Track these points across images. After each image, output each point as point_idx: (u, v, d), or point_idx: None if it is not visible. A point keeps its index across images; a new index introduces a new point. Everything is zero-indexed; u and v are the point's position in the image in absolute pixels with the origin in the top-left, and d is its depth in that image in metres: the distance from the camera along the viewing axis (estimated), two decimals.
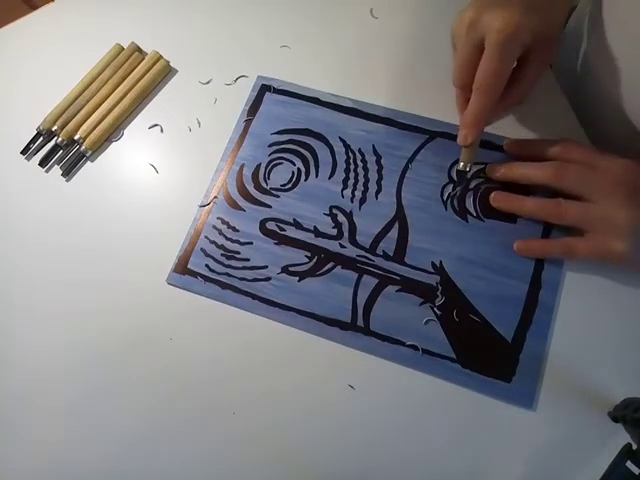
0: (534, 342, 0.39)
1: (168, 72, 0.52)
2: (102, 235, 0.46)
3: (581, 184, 0.39)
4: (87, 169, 0.49)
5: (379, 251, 0.43)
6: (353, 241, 0.43)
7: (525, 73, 0.39)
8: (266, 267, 0.43)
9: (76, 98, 0.50)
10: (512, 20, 0.35)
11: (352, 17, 0.52)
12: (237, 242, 0.44)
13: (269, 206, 0.45)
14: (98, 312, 0.44)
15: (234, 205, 0.46)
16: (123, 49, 0.52)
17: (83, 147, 0.48)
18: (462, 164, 0.42)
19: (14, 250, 0.47)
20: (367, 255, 0.43)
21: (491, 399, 0.38)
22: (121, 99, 0.50)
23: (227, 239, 0.44)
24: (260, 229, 0.44)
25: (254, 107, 0.49)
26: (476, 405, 0.38)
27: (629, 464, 0.31)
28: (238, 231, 0.45)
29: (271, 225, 0.44)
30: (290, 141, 0.47)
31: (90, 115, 0.49)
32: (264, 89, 0.49)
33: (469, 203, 0.43)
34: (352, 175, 0.45)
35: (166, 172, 0.48)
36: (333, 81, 0.49)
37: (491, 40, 0.36)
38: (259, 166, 0.47)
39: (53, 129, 0.49)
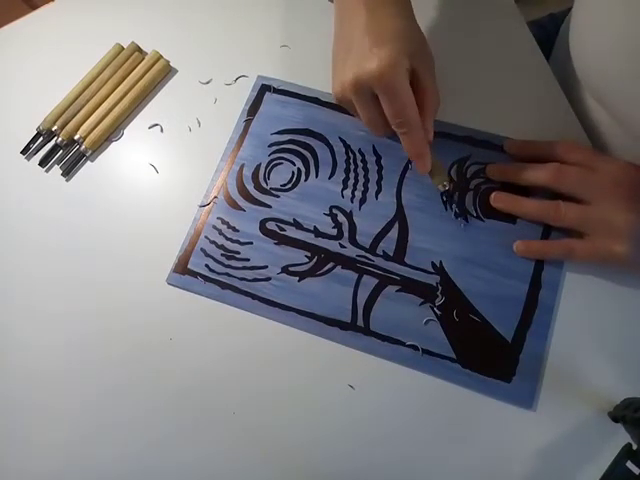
0: (534, 342, 0.39)
1: (168, 72, 0.52)
2: (102, 235, 0.46)
3: (580, 187, 0.39)
4: (87, 169, 0.49)
5: (379, 251, 0.43)
6: (353, 241, 0.43)
7: (423, 88, 0.39)
8: (266, 267, 0.43)
9: (76, 98, 0.50)
10: (384, 58, 0.35)
11: None
12: (237, 242, 0.44)
13: (269, 206, 0.45)
14: (98, 312, 0.44)
15: (234, 205, 0.46)
16: (123, 49, 0.52)
17: (83, 147, 0.48)
18: (440, 186, 0.42)
19: (14, 250, 0.47)
20: (367, 255, 0.43)
21: (491, 399, 0.38)
22: (121, 99, 0.50)
23: (227, 239, 0.44)
24: (260, 229, 0.44)
25: (254, 107, 0.49)
26: (476, 405, 0.38)
27: (629, 464, 0.31)
28: (238, 231, 0.45)
29: (271, 225, 0.45)
30: (290, 141, 0.47)
31: (90, 115, 0.49)
32: (264, 89, 0.49)
33: (469, 203, 0.43)
34: (352, 175, 0.45)
35: (166, 172, 0.48)
36: None
37: (379, 86, 0.36)
38: (259, 166, 0.47)
39: (53, 129, 0.49)
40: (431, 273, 0.42)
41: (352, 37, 0.39)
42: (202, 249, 0.44)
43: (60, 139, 0.49)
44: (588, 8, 0.43)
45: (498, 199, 0.42)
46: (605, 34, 0.40)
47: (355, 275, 0.42)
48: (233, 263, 0.44)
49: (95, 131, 0.49)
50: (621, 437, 0.35)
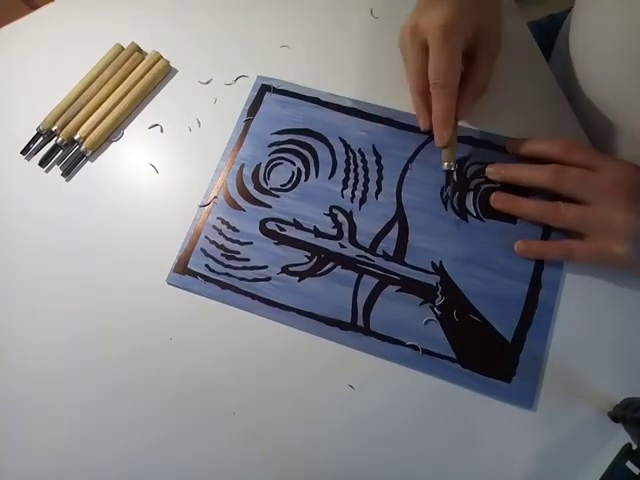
0: (534, 342, 0.39)
1: (168, 72, 0.52)
2: (102, 235, 0.46)
3: (580, 188, 0.39)
4: (87, 169, 0.49)
5: (379, 251, 0.43)
6: (353, 241, 0.43)
7: (476, 68, 0.41)
8: (266, 267, 0.43)
9: (76, 98, 0.50)
10: (448, 15, 0.37)
11: (352, 17, 0.52)
12: (237, 242, 0.44)
13: (269, 206, 0.45)
14: (98, 312, 0.44)
15: (234, 205, 0.46)
16: (123, 49, 0.52)
17: (83, 147, 0.48)
18: (446, 164, 0.42)
19: (14, 250, 0.47)
20: (367, 255, 0.43)
21: (491, 399, 0.38)
22: (121, 99, 0.50)
23: (227, 239, 0.44)
24: (260, 229, 0.44)
25: (254, 107, 0.49)
26: (476, 405, 0.38)
27: (629, 464, 0.31)
28: (238, 231, 0.45)
29: (271, 225, 0.45)
30: (290, 141, 0.47)
31: (90, 115, 0.49)
32: (264, 89, 0.49)
33: (469, 203, 0.43)
34: (352, 175, 0.45)
35: (166, 172, 0.48)
36: (333, 81, 0.49)
37: (433, 38, 0.38)
38: (259, 166, 0.47)
39: (53, 129, 0.49)
40: (431, 273, 0.42)
41: None
42: (202, 249, 0.44)
43: (60, 139, 0.49)
44: (588, 12, 0.43)
45: (498, 199, 0.42)
46: (606, 38, 0.40)
47: (355, 275, 0.42)
48: (233, 263, 0.44)
49: (95, 131, 0.49)
50: (621, 437, 0.35)
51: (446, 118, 0.40)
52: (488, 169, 0.43)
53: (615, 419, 0.36)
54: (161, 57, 0.51)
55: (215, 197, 0.46)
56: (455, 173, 0.43)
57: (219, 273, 0.43)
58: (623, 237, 0.37)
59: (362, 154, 0.46)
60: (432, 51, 0.38)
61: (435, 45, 0.38)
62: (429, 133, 0.43)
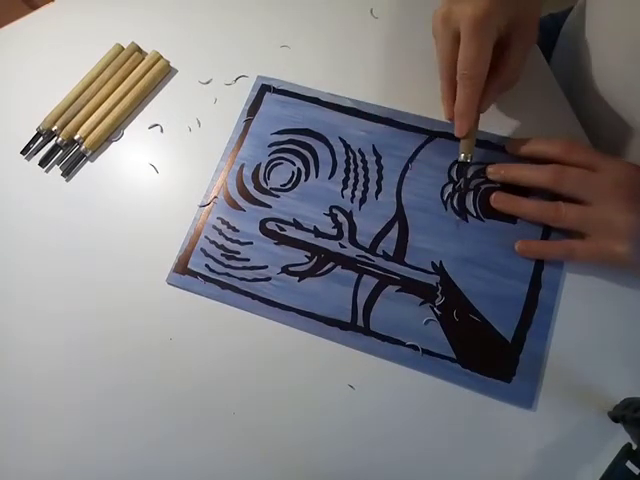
0: (534, 342, 0.39)
1: (168, 72, 0.52)
2: (102, 235, 0.46)
3: (581, 188, 0.39)
4: (87, 169, 0.49)
5: (379, 251, 0.43)
6: (353, 241, 0.43)
7: (509, 57, 0.40)
8: (266, 267, 0.43)
9: (76, 98, 0.50)
10: (483, 5, 0.36)
11: (352, 17, 0.52)
12: (237, 242, 0.44)
13: (269, 206, 0.45)
14: (98, 312, 0.44)
15: (234, 205, 0.46)
16: (123, 49, 0.52)
17: (83, 147, 0.48)
18: (462, 155, 0.41)
19: (14, 250, 0.47)
20: (367, 255, 0.43)
21: (491, 399, 0.38)
22: (121, 99, 0.50)
23: (227, 239, 0.44)
24: (260, 229, 0.44)
25: (254, 107, 0.49)
26: (476, 405, 0.38)
27: (629, 464, 0.31)
28: (238, 231, 0.45)
29: (271, 225, 0.44)
30: (290, 141, 0.47)
31: (90, 115, 0.49)
32: (264, 89, 0.49)
33: (469, 203, 0.43)
34: (352, 175, 0.45)
35: (166, 172, 0.48)
36: (333, 81, 0.49)
37: (464, 27, 0.37)
38: (259, 166, 0.47)
39: (53, 129, 0.49)
40: (431, 273, 0.42)
41: None
42: (202, 249, 0.44)
43: (60, 139, 0.49)
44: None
45: (498, 200, 0.42)
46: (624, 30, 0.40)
47: (355, 275, 0.42)
48: (233, 263, 0.44)
49: (95, 131, 0.49)
50: (621, 437, 0.35)
51: (468, 109, 0.39)
52: (488, 169, 0.43)
53: (615, 419, 0.36)
54: (161, 57, 0.51)
55: (215, 197, 0.46)
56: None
57: (219, 273, 0.43)
58: (624, 237, 0.37)
59: (362, 154, 0.46)
60: (463, 41, 0.37)
61: (466, 36, 0.37)
62: (434, 137, 0.43)
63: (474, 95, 0.39)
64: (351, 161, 0.46)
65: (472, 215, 0.43)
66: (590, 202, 0.38)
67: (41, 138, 0.50)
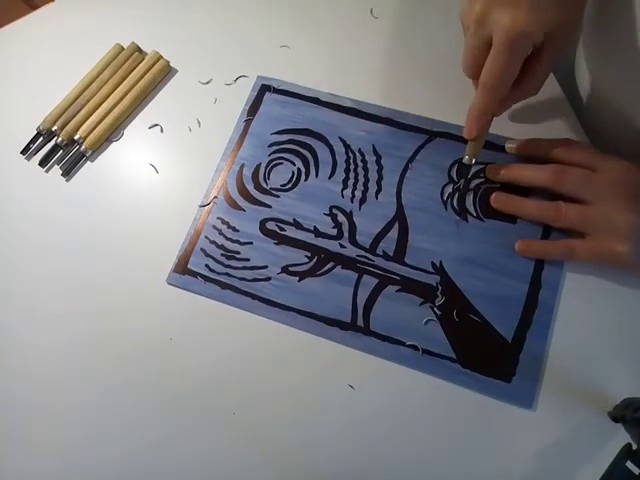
0: (534, 342, 0.39)
1: (168, 72, 0.52)
2: (102, 235, 0.46)
3: (581, 188, 0.39)
4: (87, 169, 0.49)
5: (379, 251, 0.43)
6: (353, 241, 0.43)
7: (536, 69, 0.38)
8: (266, 267, 0.43)
9: (76, 98, 0.50)
10: (521, 19, 0.34)
11: (352, 17, 0.52)
12: (237, 242, 0.44)
13: (269, 206, 0.45)
14: (98, 312, 0.44)
15: (234, 205, 0.45)
16: (123, 49, 0.52)
17: (83, 147, 0.48)
18: (467, 157, 0.41)
19: (14, 250, 0.47)
20: (367, 255, 0.43)
21: (491, 399, 0.38)
22: (121, 99, 0.50)
23: (227, 239, 0.44)
24: (260, 229, 0.44)
25: (254, 107, 0.49)
26: (476, 405, 0.38)
27: (629, 464, 0.31)
28: (238, 231, 0.45)
29: (271, 225, 0.44)
30: (290, 141, 0.47)
31: (90, 115, 0.49)
32: (264, 89, 0.49)
33: (469, 203, 0.43)
34: (352, 175, 0.45)
35: (166, 172, 0.48)
36: (333, 81, 0.49)
37: (499, 39, 0.35)
38: (259, 166, 0.47)
39: (53, 129, 0.49)
40: (431, 273, 0.42)
41: None
42: (202, 249, 0.44)
43: (60, 139, 0.49)
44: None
45: (498, 200, 0.42)
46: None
47: (355, 275, 0.42)
48: (233, 263, 0.44)
49: (95, 131, 0.49)
50: (621, 437, 0.35)
51: (481, 115, 0.38)
52: (488, 169, 0.43)
53: (615, 419, 0.36)
54: (161, 57, 0.51)
55: (215, 197, 0.46)
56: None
57: (219, 273, 0.43)
58: (624, 236, 0.37)
59: (362, 154, 0.46)
60: (494, 53, 0.35)
61: (498, 48, 0.35)
62: (434, 137, 0.43)
63: (491, 104, 0.38)
64: (351, 161, 0.46)
65: (472, 215, 0.43)
66: (590, 202, 0.38)
67: (41, 138, 0.50)
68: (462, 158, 0.41)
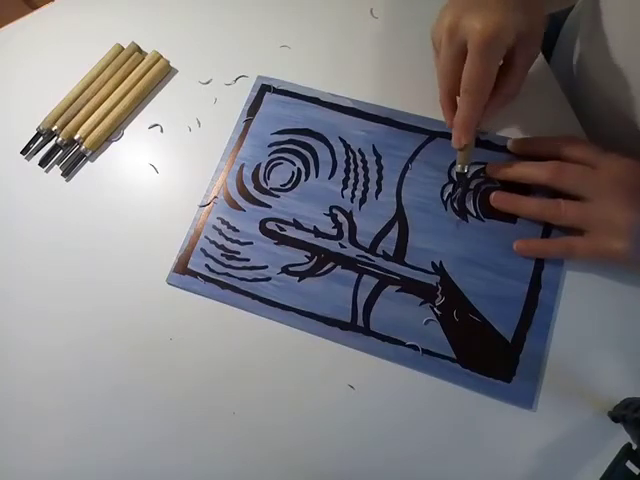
0: (534, 342, 0.39)
1: (168, 72, 0.52)
2: (102, 235, 0.46)
3: (581, 184, 0.39)
4: (87, 169, 0.49)
5: (379, 251, 0.43)
6: (353, 241, 0.43)
7: (513, 71, 0.39)
8: (266, 267, 0.43)
9: (76, 98, 0.50)
10: (492, 21, 0.35)
11: (352, 17, 0.52)
12: (237, 242, 0.44)
13: (269, 206, 0.45)
14: (98, 312, 0.44)
15: (234, 205, 0.45)
16: (123, 49, 0.52)
17: (83, 147, 0.48)
18: (459, 166, 0.42)
19: (14, 250, 0.47)
20: (367, 255, 0.43)
21: (491, 399, 0.38)
22: (121, 99, 0.50)
23: (227, 239, 0.44)
24: (260, 229, 0.44)
25: (254, 107, 0.49)
26: (476, 405, 0.38)
27: (629, 464, 0.31)
28: (238, 231, 0.45)
29: (271, 225, 0.44)
30: (290, 141, 0.47)
31: (90, 115, 0.49)
32: (264, 89, 0.49)
33: (469, 203, 0.43)
34: (352, 175, 0.45)
35: (166, 172, 0.48)
36: (333, 81, 0.49)
37: (473, 43, 0.35)
38: (259, 166, 0.47)
39: (53, 129, 0.49)
40: (431, 273, 0.42)
41: None
42: (202, 249, 0.44)
43: (60, 139, 0.49)
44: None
45: (498, 199, 0.42)
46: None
47: (355, 275, 0.42)
48: (233, 263, 0.44)
49: (95, 131, 0.49)
50: (621, 437, 0.35)
51: (469, 123, 0.39)
52: (488, 167, 0.43)
53: (615, 419, 0.36)
54: (161, 57, 0.51)
55: (215, 197, 0.46)
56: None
57: (219, 273, 0.43)
58: (623, 234, 0.37)
59: (362, 154, 0.46)
60: (470, 57, 0.36)
61: (474, 53, 0.35)
62: (434, 137, 0.43)
63: (476, 110, 0.38)
64: (351, 161, 0.46)
65: (472, 215, 0.43)
66: (590, 199, 0.38)
67: (41, 138, 0.50)
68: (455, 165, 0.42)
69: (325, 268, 0.43)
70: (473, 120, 0.39)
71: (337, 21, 0.52)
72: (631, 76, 0.41)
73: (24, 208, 0.48)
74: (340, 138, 0.47)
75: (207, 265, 0.44)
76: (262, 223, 0.45)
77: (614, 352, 0.39)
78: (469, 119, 0.38)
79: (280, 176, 0.46)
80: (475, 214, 0.43)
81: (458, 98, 0.40)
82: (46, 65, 0.53)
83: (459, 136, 0.39)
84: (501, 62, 0.38)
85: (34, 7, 0.58)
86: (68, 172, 0.49)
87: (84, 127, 0.49)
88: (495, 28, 0.35)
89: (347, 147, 0.46)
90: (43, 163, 0.49)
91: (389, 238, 0.43)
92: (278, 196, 0.45)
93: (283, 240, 0.44)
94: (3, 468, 0.41)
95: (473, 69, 0.36)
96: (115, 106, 0.49)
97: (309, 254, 0.43)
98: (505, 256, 0.41)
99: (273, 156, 0.47)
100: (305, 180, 0.46)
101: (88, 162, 0.49)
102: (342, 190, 0.45)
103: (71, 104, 0.50)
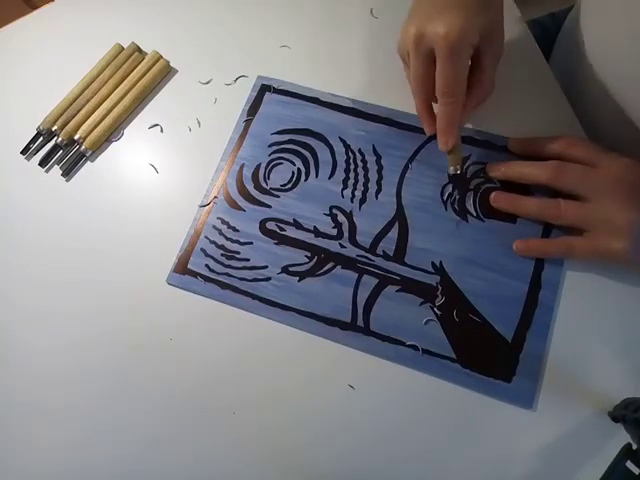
0: (534, 342, 0.39)
1: (168, 72, 0.52)
2: (102, 235, 0.46)
3: (581, 184, 0.39)
4: (87, 169, 0.49)
5: (379, 251, 0.43)
6: (353, 241, 0.43)
7: (481, 71, 0.40)
8: (266, 267, 0.43)
9: (76, 98, 0.50)
10: (455, 25, 0.36)
11: (352, 17, 0.52)
12: (237, 242, 0.44)
13: (269, 206, 0.45)
14: (98, 312, 0.44)
15: (234, 205, 0.46)
16: (123, 49, 0.52)
17: (83, 147, 0.48)
18: (452, 168, 0.42)
19: (14, 250, 0.47)
20: (367, 255, 0.43)
21: (491, 399, 0.38)
22: (121, 99, 0.50)
23: (227, 239, 0.44)
24: (260, 229, 0.44)
25: (254, 107, 0.49)
26: (476, 405, 0.38)
27: (629, 464, 0.31)
28: (238, 231, 0.45)
29: (271, 225, 0.44)
30: (290, 141, 0.47)
31: (90, 115, 0.49)
32: (264, 89, 0.49)
33: (469, 203, 0.43)
34: (352, 175, 0.45)
35: (166, 172, 0.48)
36: (333, 81, 0.49)
37: (441, 48, 0.37)
38: (259, 166, 0.47)
39: (53, 129, 0.49)
40: (431, 273, 0.42)
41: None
42: (202, 249, 0.44)
43: (60, 139, 0.49)
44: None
45: (498, 199, 0.42)
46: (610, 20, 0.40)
47: (355, 275, 0.42)
48: (233, 263, 0.44)
49: (95, 131, 0.49)
50: (621, 437, 0.35)
51: (451, 125, 0.39)
52: (488, 167, 0.43)
53: (615, 419, 0.36)
54: (161, 57, 0.51)
55: (215, 197, 0.46)
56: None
57: (219, 273, 0.43)
58: (623, 234, 0.37)
59: (362, 154, 0.46)
60: (440, 62, 0.37)
61: (443, 56, 0.37)
62: (434, 137, 0.44)
63: (456, 111, 0.39)
64: (351, 161, 0.46)
65: (472, 215, 0.43)
66: (590, 198, 0.38)
67: (41, 138, 0.50)
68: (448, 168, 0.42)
69: (325, 268, 0.43)
70: (455, 121, 0.39)
71: (337, 21, 0.52)
72: (631, 76, 0.41)
73: (24, 208, 0.48)
74: (340, 138, 0.47)
75: (207, 265, 0.44)
76: (262, 223, 0.45)
77: (614, 352, 0.39)
78: (451, 121, 0.39)
79: (280, 176, 0.46)
80: (475, 214, 0.43)
81: (435, 105, 0.41)
82: (46, 65, 0.53)
83: (446, 139, 0.40)
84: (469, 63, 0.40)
85: (34, 7, 0.58)
86: (68, 172, 0.49)
87: (84, 127, 0.49)
88: (459, 31, 0.36)
89: (347, 147, 0.46)
90: (43, 163, 0.49)
91: (389, 238, 0.43)
92: (278, 196, 0.45)
93: (283, 240, 0.44)
94: (3, 468, 0.41)
95: (445, 72, 0.37)
96: (115, 106, 0.49)
97: (309, 254, 0.43)
98: (505, 256, 0.41)
99: (273, 156, 0.47)
100: (305, 180, 0.46)
101: (88, 162, 0.49)
102: (342, 190, 0.45)
103: (71, 104, 0.50)
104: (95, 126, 0.49)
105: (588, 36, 0.46)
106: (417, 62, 0.39)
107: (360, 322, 0.41)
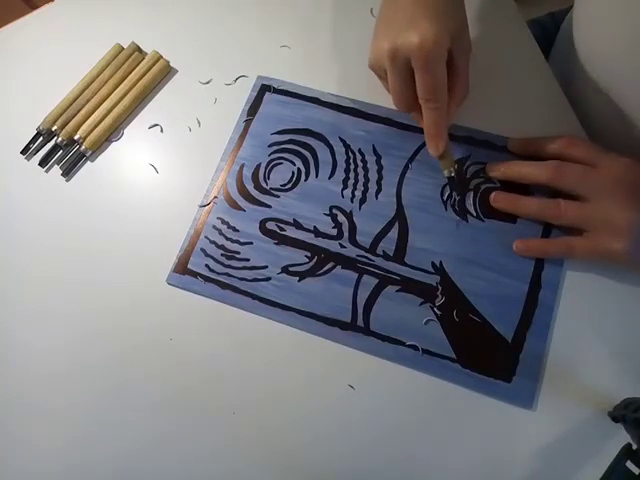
0: (534, 342, 0.39)
1: (168, 72, 0.52)
2: (102, 235, 0.46)
3: (581, 184, 0.39)
4: (87, 169, 0.49)
5: (379, 251, 0.43)
6: (353, 241, 0.43)
7: (457, 72, 0.41)
8: (266, 267, 0.43)
9: (76, 98, 0.50)
10: (428, 32, 0.36)
11: (352, 17, 0.52)
12: (237, 242, 0.44)
13: (269, 206, 0.45)
14: (98, 312, 0.44)
15: (234, 205, 0.46)
16: (123, 49, 0.52)
17: (83, 147, 0.48)
18: (446, 171, 0.42)
19: (14, 250, 0.47)
20: (367, 255, 0.43)
21: (491, 399, 0.38)
22: (121, 99, 0.50)
23: (227, 239, 0.44)
24: (260, 229, 0.44)
25: (254, 107, 0.49)
26: (476, 405, 0.38)
27: (629, 464, 0.31)
28: (238, 231, 0.45)
29: (271, 225, 0.45)
30: (290, 141, 0.47)
31: (90, 115, 0.49)
32: (264, 89, 0.49)
33: (469, 203, 0.43)
34: (352, 175, 0.45)
35: (166, 172, 0.48)
36: (333, 81, 0.49)
37: (418, 59, 0.37)
38: (259, 166, 0.47)
39: (53, 129, 0.49)
40: (431, 273, 0.42)
41: (397, 8, 0.40)
42: (202, 249, 0.44)
43: (60, 139, 0.49)
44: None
45: (498, 199, 0.42)
46: (608, 20, 0.40)
47: (355, 275, 0.42)
48: (233, 263, 0.44)
49: (95, 131, 0.49)
50: (621, 437, 0.35)
51: (439, 130, 0.40)
52: (487, 167, 0.43)
53: (615, 419, 0.36)
54: (161, 57, 0.51)
55: (215, 197, 0.46)
56: (456, 176, 0.43)
57: (219, 273, 0.43)
58: (622, 234, 0.37)
59: (362, 154, 0.46)
60: (419, 72, 0.37)
61: (421, 65, 0.37)
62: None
63: (442, 116, 0.39)
64: (351, 161, 0.46)
65: (472, 215, 0.43)
66: (590, 198, 0.39)
67: (41, 138, 0.50)
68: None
69: (325, 268, 0.43)
70: (443, 124, 0.40)
71: (337, 21, 0.52)
72: (631, 75, 0.41)
73: (24, 208, 0.48)
74: (340, 138, 0.47)
75: (207, 265, 0.44)
76: (262, 223, 0.45)
77: (614, 352, 0.39)
78: (439, 125, 0.40)
79: (280, 176, 0.46)
80: (475, 214, 0.43)
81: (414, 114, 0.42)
82: (46, 65, 0.53)
83: (435, 143, 0.40)
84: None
85: (34, 7, 0.58)
86: (68, 172, 0.49)
87: (84, 127, 0.49)
88: (433, 38, 0.36)
89: (347, 147, 0.46)
90: (43, 163, 0.49)
91: (389, 238, 0.43)
92: (278, 196, 0.45)
93: (283, 240, 0.44)
94: (3, 468, 0.41)
95: (425, 81, 0.38)
96: (115, 106, 0.49)
97: (309, 254, 0.43)
98: (505, 256, 0.41)
99: (273, 156, 0.47)
100: (305, 180, 0.46)
101: (88, 162, 0.49)
102: (342, 190, 0.45)
103: (71, 104, 0.50)
104: (95, 126, 0.49)
105: (587, 36, 0.46)
106: (395, 76, 0.39)
107: (360, 322, 0.41)
